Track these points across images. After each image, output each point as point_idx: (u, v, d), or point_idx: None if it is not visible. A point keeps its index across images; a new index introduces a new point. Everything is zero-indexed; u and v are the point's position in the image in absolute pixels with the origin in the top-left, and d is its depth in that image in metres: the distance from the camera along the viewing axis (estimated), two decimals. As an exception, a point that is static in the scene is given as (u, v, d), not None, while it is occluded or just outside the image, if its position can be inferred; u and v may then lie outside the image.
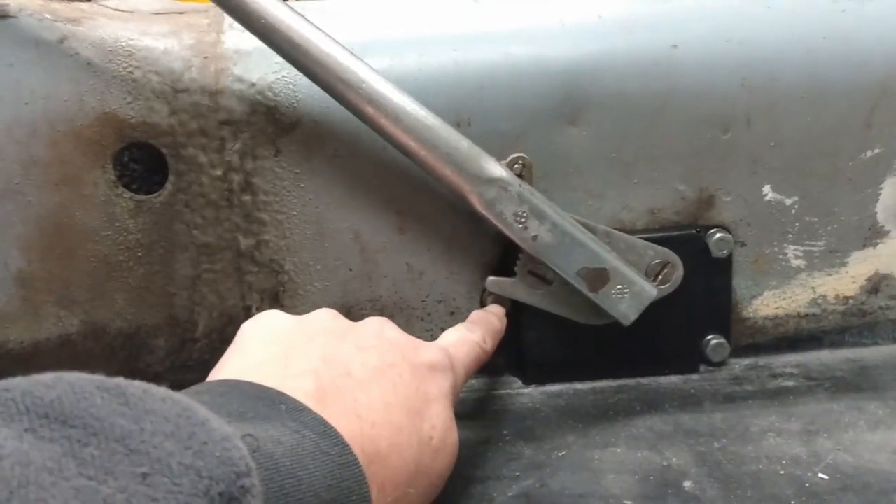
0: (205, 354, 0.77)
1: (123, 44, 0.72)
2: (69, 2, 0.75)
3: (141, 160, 0.73)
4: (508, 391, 0.79)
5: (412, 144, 0.68)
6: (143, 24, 0.74)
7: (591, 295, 0.72)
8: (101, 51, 0.71)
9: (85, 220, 0.73)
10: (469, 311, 0.77)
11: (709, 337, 0.79)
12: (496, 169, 0.69)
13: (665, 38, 0.73)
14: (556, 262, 0.71)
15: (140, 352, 0.77)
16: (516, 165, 0.73)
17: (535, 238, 0.70)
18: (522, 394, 0.78)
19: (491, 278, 0.75)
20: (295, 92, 0.72)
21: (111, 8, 0.77)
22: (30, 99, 0.70)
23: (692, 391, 0.76)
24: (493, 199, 0.69)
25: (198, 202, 0.73)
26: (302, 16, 0.66)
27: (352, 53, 0.66)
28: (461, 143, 0.68)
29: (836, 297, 0.80)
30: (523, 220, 0.70)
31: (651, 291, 0.72)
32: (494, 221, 0.70)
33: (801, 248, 0.78)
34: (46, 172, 0.71)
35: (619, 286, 0.72)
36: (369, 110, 0.67)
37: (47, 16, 0.70)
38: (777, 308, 0.80)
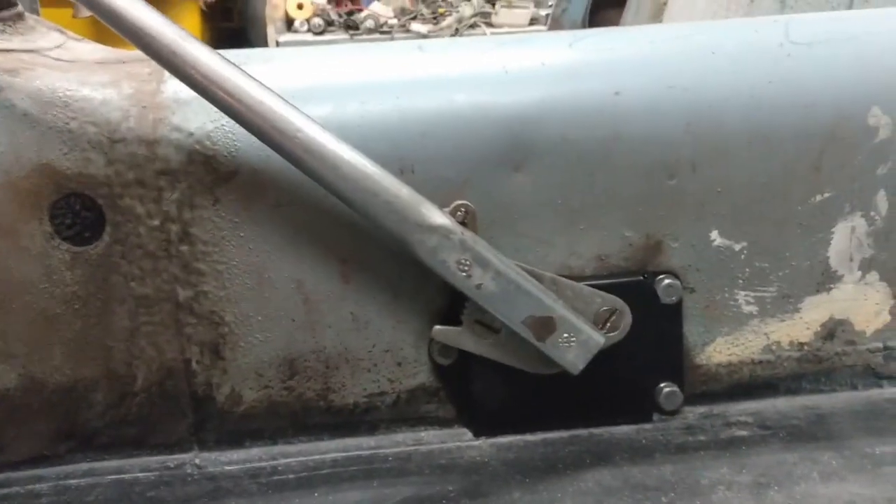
0: (144, 409, 0.75)
1: (61, 94, 0.71)
2: (9, 52, 0.74)
3: (78, 211, 0.72)
4: (458, 444, 0.77)
5: (352, 193, 0.67)
6: (83, 74, 0.73)
7: (537, 344, 0.70)
8: (38, 102, 0.70)
9: (21, 272, 0.71)
10: (417, 362, 0.76)
11: (661, 385, 0.77)
12: (438, 217, 0.68)
13: (608, 85, 0.73)
14: (500, 311, 0.70)
15: (79, 406, 0.75)
16: (459, 213, 0.72)
17: (478, 286, 0.69)
18: (472, 446, 0.76)
19: (437, 327, 0.74)
20: (234, 140, 0.71)
21: (53, 58, 0.77)
22: (-37, 150, 0.69)
23: (644, 442, 0.74)
24: (435, 248, 0.68)
25: (135, 253, 0.71)
26: (235, 65, 0.65)
27: (288, 102, 0.65)
28: (402, 191, 0.67)
29: (791, 343, 0.79)
30: (466, 268, 0.69)
31: (598, 339, 0.71)
32: (437, 270, 0.69)
33: (753, 294, 0.77)
34: (-19, 225, 0.70)
35: (566, 334, 0.70)
36: (307, 159, 0.66)
37: (-19, 66, 0.69)
38: (730, 355, 0.78)
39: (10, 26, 0.80)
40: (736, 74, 0.74)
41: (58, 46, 0.81)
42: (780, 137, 0.74)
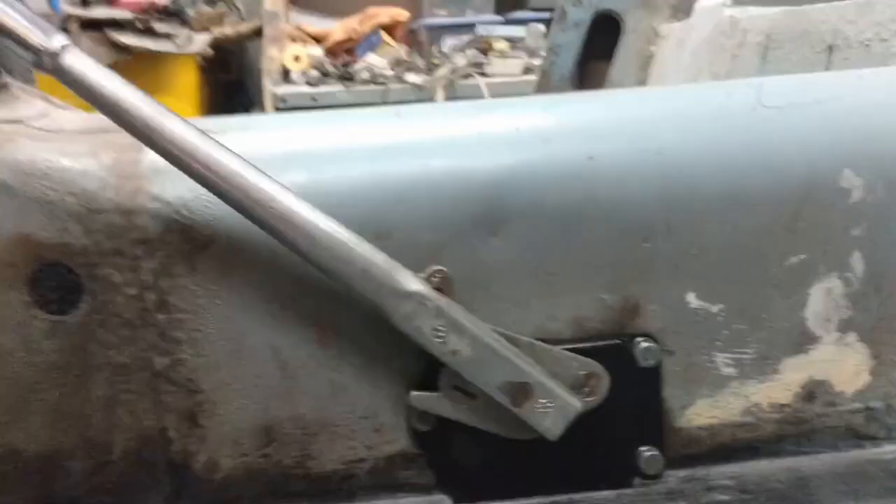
0: (121, 478, 0.74)
1: (41, 165, 0.72)
2: (-10, 123, 0.75)
3: (56, 281, 0.72)
4: (438, 510, 0.76)
5: (327, 261, 0.67)
6: (64, 145, 0.74)
7: (514, 410, 0.70)
8: (18, 173, 0.71)
9: (0, 341, 0.71)
10: (395, 428, 0.76)
11: (642, 448, 0.76)
12: (413, 283, 0.68)
13: (582, 149, 0.74)
14: (476, 377, 0.70)
15: (56, 475, 0.75)
16: (434, 279, 0.72)
17: (454, 353, 0.69)
18: (452, 513, 0.75)
19: (414, 393, 0.73)
20: (211, 210, 0.71)
21: (35, 128, 0.78)
22: (-59, 222, 0.69)
23: (625, 507, 0.73)
24: (410, 314, 0.68)
25: (112, 322, 0.72)
26: (212, 138, 0.66)
27: (262, 172, 0.66)
28: (376, 258, 0.68)
29: (771, 405, 0.78)
30: (442, 334, 0.69)
31: (576, 405, 0.71)
32: (412, 337, 0.69)
33: (732, 356, 0.77)
34: (-40, 294, 0.70)
35: (543, 400, 0.70)
36: (282, 228, 0.67)
37: (-40, 139, 0.70)
38: (711, 417, 0.78)
39: (-8, 96, 0.81)
40: (709, 138, 0.75)
41: (41, 116, 0.82)
42: (754, 200, 0.75)
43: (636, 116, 0.76)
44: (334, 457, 0.75)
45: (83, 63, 0.63)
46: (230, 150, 0.66)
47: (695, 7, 1.80)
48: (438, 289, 0.71)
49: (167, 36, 3.45)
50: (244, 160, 0.66)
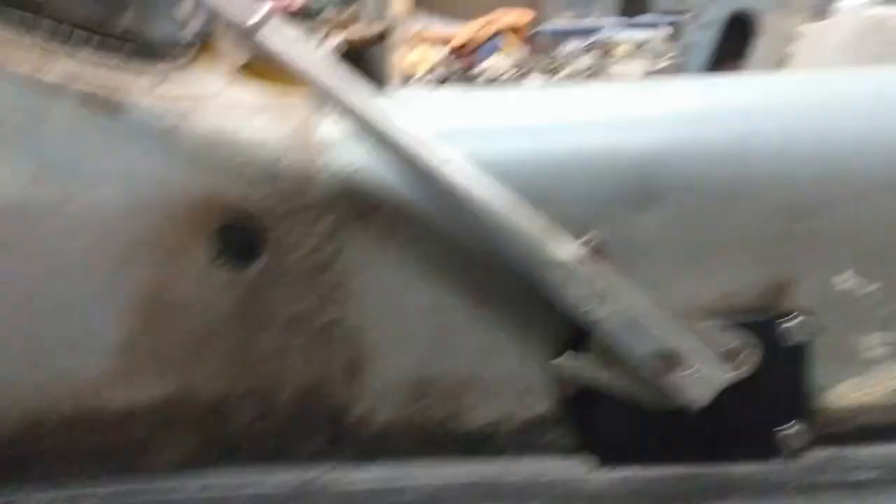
0: (285, 424, 0.80)
1: (226, 134, 0.78)
2: (182, 95, 0.83)
3: (238, 238, 0.78)
4: (580, 474, 0.78)
5: (488, 225, 0.71)
6: (245, 116, 0.81)
7: (662, 378, 0.72)
8: (206, 140, 0.78)
9: (184, 290, 0.78)
10: (542, 389, 0.79)
11: (787, 424, 0.77)
12: (567, 250, 0.71)
13: (740, 126, 0.75)
14: (625, 344, 0.72)
15: (225, 419, 0.81)
16: (590, 246, 0.74)
17: (605, 319, 0.72)
18: (594, 477, 0.78)
19: (563, 357, 0.76)
20: (380, 177, 0.76)
21: (219, 100, 0.85)
22: (140, 183, 0.77)
23: (768, 480, 0.74)
24: (565, 280, 0.71)
25: (286, 277, 0.78)
26: (389, 104, 0.71)
27: (434, 139, 0.71)
28: (536, 225, 0.71)
29: (922, 389, 0.78)
30: (595, 300, 0.71)
31: (723, 375, 0.72)
32: (565, 302, 0.72)
33: (882, 337, 0.76)
34: (152, 248, 0.78)
35: (690, 370, 0.72)
36: (449, 191, 0.71)
37: (161, 107, 0.78)
38: (857, 397, 0.78)
39: (182, 71, 0.89)
40: (868, 120, 0.75)
41: (222, 90, 0.89)
42: (913, 182, 0.74)
43: (796, 96, 0.77)
44: (483, 414, 0.79)
45: (281, 34, 0.70)
46: (406, 118, 0.71)
47: (834, 7, 1.77)
48: (593, 255, 0.73)
49: (301, 36, 3.59)
50: (419, 127, 0.71)
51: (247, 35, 0.69)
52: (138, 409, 0.81)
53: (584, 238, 0.74)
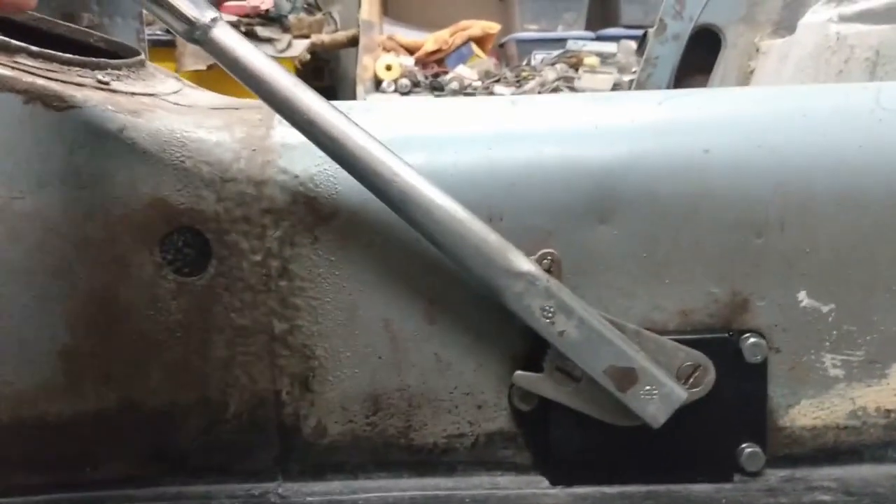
0: (233, 436, 0.78)
1: (178, 135, 0.76)
2: (132, 95, 0.80)
3: (186, 244, 0.76)
4: (534, 491, 0.77)
5: (443, 237, 0.70)
6: (198, 118, 0.79)
7: (618, 395, 0.71)
8: (157, 141, 0.75)
9: (129, 298, 0.76)
10: (497, 406, 0.77)
11: (743, 445, 0.76)
12: (524, 264, 0.70)
13: (697, 142, 0.74)
14: (582, 359, 0.71)
15: (172, 430, 0.79)
16: (545, 261, 0.73)
17: (561, 334, 0.70)
18: (549, 494, 0.76)
19: (518, 373, 0.75)
20: (335, 184, 0.74)
21: (171, 102, 0.83)
22: (88, 183, 0.74)
23: (724, 502, 0.73)
24: (520, 294, 0.70)
25: (237, 286, 0.75)
26: (342, 113, 0.69)
27: (387, 148, 0.69)
28: (490, 237, 0.70)
29: (878, 409, 0.77)
30: (550, 315, 0.70)
31: (681, 394, 0.71)
32: (521, 316, 0.70)
33: (840, 357, 0.76)
34: (98, 252, 0.75)
35: (648, 387, 0.71)
36: (402, 202, 0.69)
37: (109, 107, 0.75)
38: (815, 418, 0.77)
39: (133, 72, 0.86)
40: (826, 137, 0.75)
41: (175, 92, 0.87)
42: (869, 201, 0.74)
43: (753, 112, 0.76)
44: (436, 430, 0.78)
45: (231, 37, 0.67)
46: (359, 126, 0.69)
47: (798, 24, 1.78)
48: (548, 271, 0.73)
49: (268, 40, 3.57)
50: (371, 136, 0.69)
51: (196, 38, 0.67)
52: (80, 420, 0.78)
53: (540, 253, 0.73)
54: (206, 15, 0.67)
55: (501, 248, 0.70)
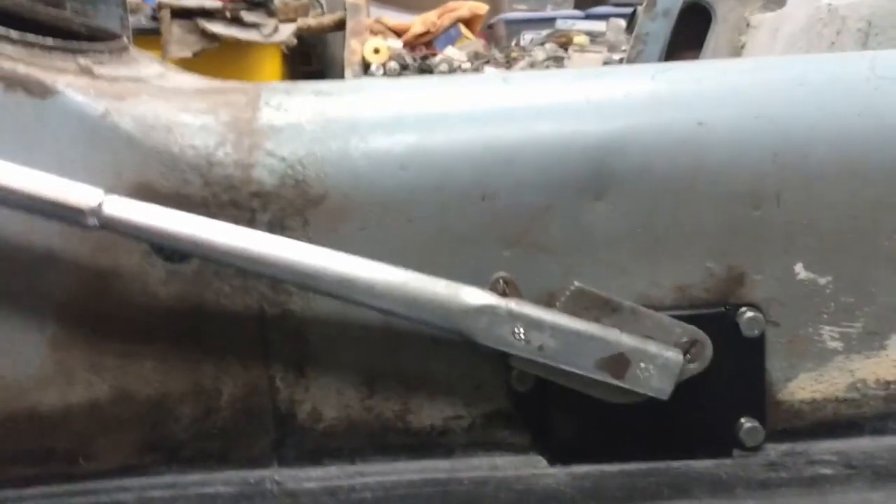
0: (228, 424, 0.77)
1: (163, 119, 0.74)
2: (116, 80, 0.79)
3: (174, 230, 0.75)
4: (534, 471, 0.76)
5: (394, 307, 0.69)
6: (184, 102, 0.77)
7: (618, 382, 0.70)
8: (142, 125, 0.74)
9: (118, 287, 0.75)
10: (494, 387, 0.76)
11: (742, 420, 0.76)
12: (479, 298, 0.69)
13: (692, 115, 0.73)
14: (571, 363, 0.70)
15: (166, 419, 0.78)
16: (498, 286, 0.72)
17: (540, 348, 0.70)
18: (548, 474, 0.76)
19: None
20: (324, 166, 0.73)
21: (155, 86, 0.81)
22: (71, 170, 0.73)
23: (724, 477, 0.73)
24: (487, 328, 0.69)
25: (226, 271, 0.74)
26: (255, 232, 0.69)
27: (306, 245, 0.69)
28: (437, 287, 0.69)
29: (877, 381, 0.77)
30: (522, 335, 0.69)
31: (677, 357, 0.70)
32: (498, 347, 0.69)
33: (838, 330, 0.76)
34: (84, 240, 0.74)
35: (643, 364, 0.70)
36: (343, 293, 0.69)
37: (91, 92, 0.73)
38: (814, 391, 0.77)
39: (116, 56, 0.85)
40: (823, 107, 0.74)
41: (159, 76, 0.86)
42: (868, 171, 0.73)
43: (749, 83, 0.75)
44: (433, 412, 0.77)
45: (125, 204, 0.67)
46: (277, 238, 0.69)
47: (790, -4, 1.77)
48: (504, 294, 0.71)
49: (255, 26, 3.53)
50: (292, 244, 0.69)
51: (92, 225, 0.68)
52: (72, 411, 0.77)
53: (492, 280, 0.72)
54: (91, 197, 0.66)
55: (452, 293, 0.69)
